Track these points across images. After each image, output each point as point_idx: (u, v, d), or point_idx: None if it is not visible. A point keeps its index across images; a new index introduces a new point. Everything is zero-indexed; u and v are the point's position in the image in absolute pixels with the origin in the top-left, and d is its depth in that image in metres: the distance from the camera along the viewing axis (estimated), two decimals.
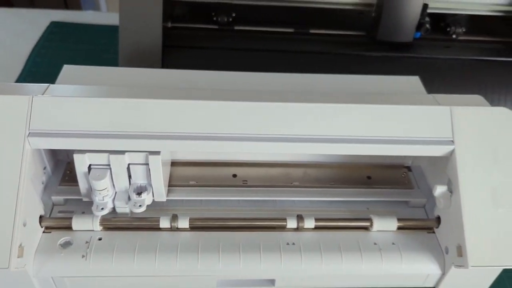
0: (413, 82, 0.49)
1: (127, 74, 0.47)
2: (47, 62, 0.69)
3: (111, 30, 0.78)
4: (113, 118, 0.38)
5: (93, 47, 0.74)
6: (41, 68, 0.68)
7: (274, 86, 0.47)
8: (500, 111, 0.42)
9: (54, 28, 0.77)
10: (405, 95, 0.45)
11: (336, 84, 0.48)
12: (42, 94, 0.40)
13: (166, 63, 0.57)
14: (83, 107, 0.38)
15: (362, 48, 0.61)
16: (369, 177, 0.48)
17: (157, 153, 0.40)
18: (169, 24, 0.62)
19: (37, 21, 0.77)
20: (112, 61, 0.70)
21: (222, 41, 0.60)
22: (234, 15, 0.63)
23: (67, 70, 0.47)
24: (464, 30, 0.64)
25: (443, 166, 0.42)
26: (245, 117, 0.40)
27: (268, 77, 0.48)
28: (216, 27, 0.63)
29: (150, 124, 0.39)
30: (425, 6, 0.59)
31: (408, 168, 0.49)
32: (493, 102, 0.59)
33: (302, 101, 0.41)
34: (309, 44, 0.61)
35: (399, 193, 0.46)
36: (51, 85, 0.42)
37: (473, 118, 0.41)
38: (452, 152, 0.40)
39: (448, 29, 0.64)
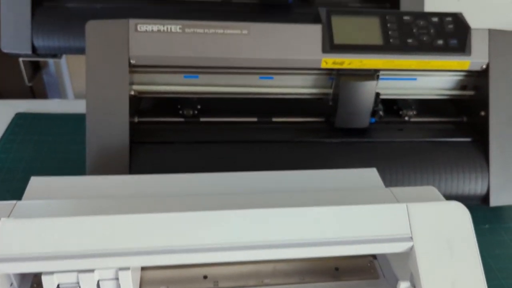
0: (371, 175, 0.52)
1: (95, 184, 0.47)
2: (12, 157, 0.69)
3: (77, 119, 0.79)
4: (81, 237, 0.39)
5: (59, 138, 0.74)
6: (6, 164, 0.68)
7: (238, 187, 0.49)
8: (453, 206, 0.45)
9: (19, 120, 0.77)
10: (363, 191, 0.48)
11: (295, 182, 0.50)
12: (8, 216, 0.40)
13: (134, 160, 0.58)
14: (51, 228, 0.39)
15: (322, 135, 0.64)
16: (336, 268, 0.50)
17: (127, 268, 0.40)
18: (136, 119, 0.64)
19: (1, 113, 0.78)
20: (80, 152, 0.71)
21: (188, 135, 0.62)
22: (199, 107, 0.66)
23: (35, 182, 0.47)
24: (415, 112, 0.69)
25: (406, 255, 0.44)
26: (214, 227, 0.41)
27: (231, 177, 0.50)
28: (182, 119, 0.65)
29: (119, 240, 0.39)
30: (378, 95, 0.64)
31: (374, 256, 0.51)
32: (447, 181, 0.62)
33: (264, 206, 0.42)
34: (272, 133, 0.64)
35: (366, 285, 0.48)
36: (18, 202, 0.42)
37: (429, 214, 0.44)
38: (411, 248, 0.43)
39: (400, 112, 0.69)
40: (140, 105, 0.67)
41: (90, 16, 0.84)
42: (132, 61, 0.58)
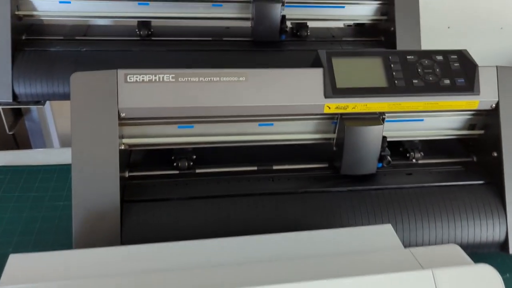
0: (386, 232, 0.48)
1: (82, 260, 0.42)
2: None
3: (62, 170, 0.74)
4: None
5: (43, 193, 0.69)
6: None
7: (247, 255, 0.44)
8: (482, 270, 0.40)
9: None
10: (382, 255, 0.43)
11: (308, 245, 0.45)
12: None
13: (125, 221, 0.53)
14: None
15: (328, 183, 0.60)
16: None
17: None
18: (127, 174, 0.59)
19: None
20: (66, 209, 0.66)
21: (184, 190, 0.58)
22: (194, 157, 0.61)
23: (14, 261, 0.41)
24: (422, 154, 0.65)
25: None
26: None
27: (236, 243, 0.45)
28: (176, 172, 0.61)
29: None
30: (384, 139, 0.60)
31: None
32: (462, 228, 0.58)
33: (280, 279, 0.38)
34: (274, 184, 0.60)
35: None
36: None
37: (457, 280, 0.40)
38: None
39: (407, 155, 0.65)
40: (131, 157, 0.63)
41: (74, 60, 0.81)
42: (122, 114, 0.54)
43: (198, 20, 0.87)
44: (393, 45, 0.87)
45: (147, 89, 0.54)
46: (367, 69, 0.59)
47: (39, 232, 0.62)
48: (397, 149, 0.66)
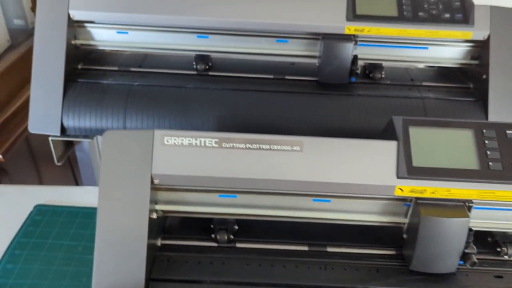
0: None
1: None
2: (18, 270, 0.59)
3: None
4: None
5: (77, 242, 0.64)
6: (10, 279, 0.58)
7: None
8: None
9: (37, 215, 0.67)
10: None
11: None
12: None
13: None
14: None
15: (394, 281, 0.50)
16: None
17: None
18: (159, 242, 0.52)
19: (19, 205, 0.69)
20: None
21: (219, 271, 0.50)
22: (236, 228, 0.54)
23: None
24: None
25: None
26: None
27: None
28: (214, 245, 0.53)
29: None
30: (470, 233, 0.48)
31: None
32: None
33: None
34: (326, 273, 0.50)
35: None
36: None
37: None
38: None
39: (498, 249, 0.53)
40: (167, 221, 0.56)
41: (125, 95, 0.76)
42: (156, 181, 0.47)
43: (260, 55, 0.80)
44: (484, 96, 0.74)
45: (186, 154, 0.47)
46: (454, 144, 0.48)
47: None
48: (484, 238, 0.54)
